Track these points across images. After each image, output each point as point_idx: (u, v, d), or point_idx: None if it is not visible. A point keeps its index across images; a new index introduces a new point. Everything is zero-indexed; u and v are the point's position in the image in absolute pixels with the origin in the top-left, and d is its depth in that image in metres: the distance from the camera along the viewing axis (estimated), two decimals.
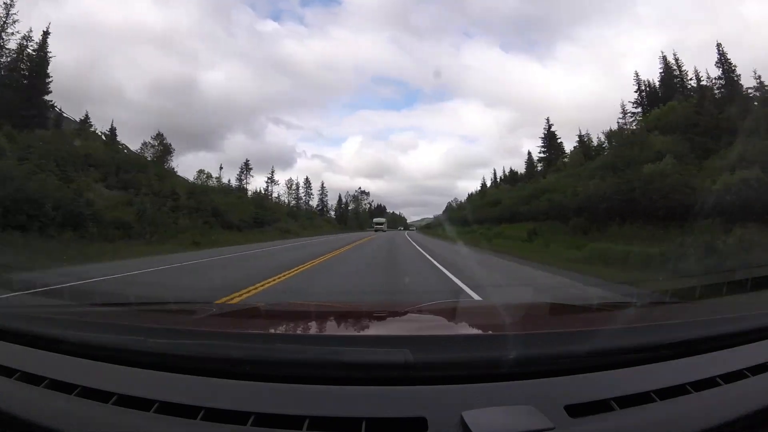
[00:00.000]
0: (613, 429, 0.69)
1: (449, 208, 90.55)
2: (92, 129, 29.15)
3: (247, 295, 5.75)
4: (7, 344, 1.02)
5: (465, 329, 1.40)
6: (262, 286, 6.55)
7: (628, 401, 0.74)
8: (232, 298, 5.37)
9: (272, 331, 1.34)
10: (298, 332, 1.31)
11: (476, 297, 5.51)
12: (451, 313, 1.74)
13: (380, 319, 1.68)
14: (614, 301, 3.43)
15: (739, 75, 25.75)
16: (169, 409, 0.73)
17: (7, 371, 0.88)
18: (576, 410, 0.70)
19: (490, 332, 1.18)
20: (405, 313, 1.71)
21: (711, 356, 0.92)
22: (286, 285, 6.88)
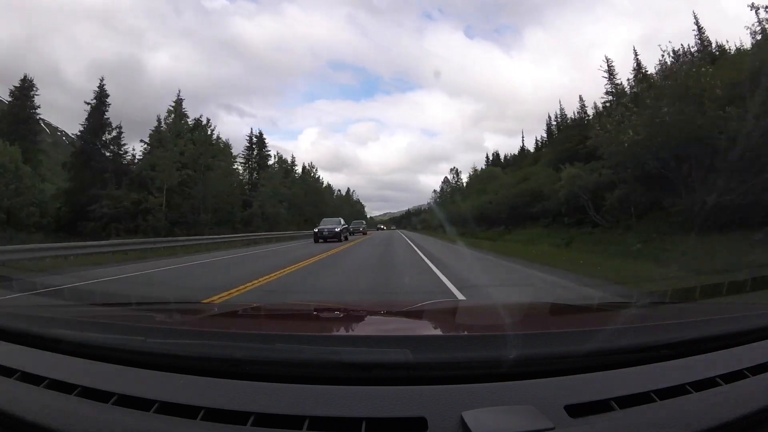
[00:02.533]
0: (613, 429, 0.69)
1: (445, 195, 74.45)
2: None
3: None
4: (7, 344, 1.02)
5: (465, 329, 1.40)
6: None
7: (628, 401, 0.74)
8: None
9: (272, 331, 1.34)
10: (298, 332, 1.31)
11: None
12: (451, 313, 1.74)
13: (380, 319, 1.68)
14: (614, 301, 3.43)
15: None
16: (169, 409, 0.73)
17: (7, 371, 0.89)
18: (576, 410, 0.70)
19: (490, 332, 1.18)
20: (405, 313, 1.71)
21: (711, 356, 0.92)
22: None
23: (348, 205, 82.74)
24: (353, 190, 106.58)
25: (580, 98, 42.56)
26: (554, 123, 48.60)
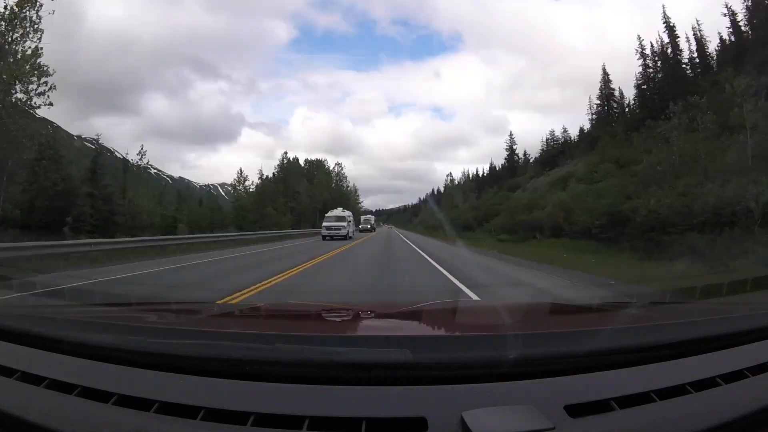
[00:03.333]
0: (613, 429, 0.69)
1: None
2: None
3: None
4: (7, 344, 1.02)
5: (465, 329, 1.40)
6: None
7: (628, 401, 0.74)
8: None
9: (272, 331, 1.34)
10: (298, 332, 1.31)
11: None
12: (451, 313, 1.74)
13: (380, 319, 1.68)
14: (614, 301, 3.44)
15: None
16: (169, 409, 0.73)
17: (7, 371, 0.89)
18: (576, 410, 0.70)
19: (490, 332, 1.18)
20: (405, 313, 1.71)
21: (711, 356, 0.92)
22: None
23: (320, 189, 51.09)
24: (342, 167, 70.52)
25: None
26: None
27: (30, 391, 0.83)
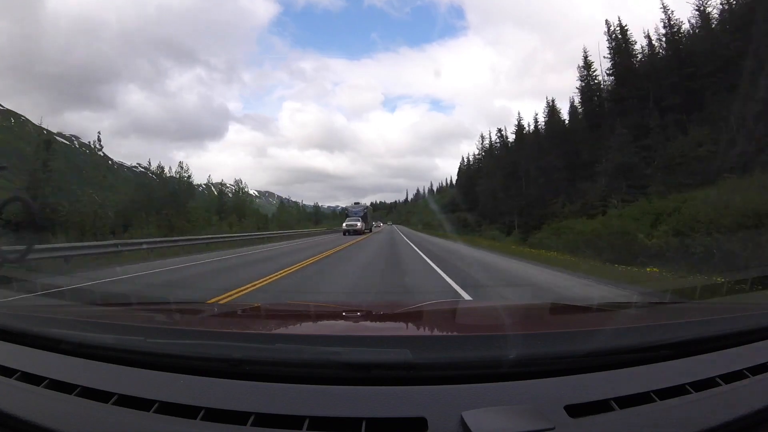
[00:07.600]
0: (613, 429, 0.69)
1: None
2: None
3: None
4: (7, 344, 1.02)
5: (465, 329, 1.40)
6: None
7: (628, 401, 0.74)
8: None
9: (272, 331, 1.34)
10: (298, 332, 1.31)
11: None
12: (451, 313, 1.74)
13: (380, 319, 1.68)
14: (614, 301, 3.44)
15: None
16: (169, 409, 0.73)
17: (7, 371, 0.89)
18: (576, 410, 0.70)
19: (490, 332, 1.18)
20: (405, 313, 1.71)
21: (711, 356, 0.92)
22: None
23: None
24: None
25: None
26: None
27: (30, 391, 0.83)
